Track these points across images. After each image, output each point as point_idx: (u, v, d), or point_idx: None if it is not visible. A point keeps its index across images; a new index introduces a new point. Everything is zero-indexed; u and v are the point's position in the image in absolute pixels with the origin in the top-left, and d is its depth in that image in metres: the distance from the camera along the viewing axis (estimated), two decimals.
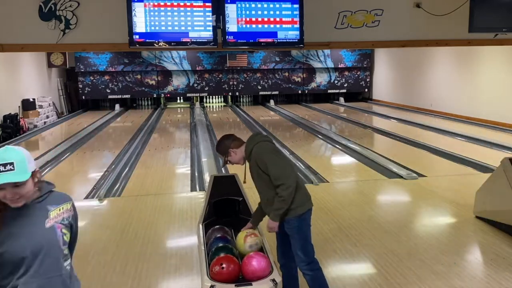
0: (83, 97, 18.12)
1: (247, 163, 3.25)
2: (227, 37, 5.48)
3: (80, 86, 17.91)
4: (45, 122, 14.23)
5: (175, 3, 5.36)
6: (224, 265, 3.00)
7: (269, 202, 3.15)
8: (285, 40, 5.63)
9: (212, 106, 19.26)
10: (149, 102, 19.46)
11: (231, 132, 12.59)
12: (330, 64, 19.27)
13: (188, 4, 5.37)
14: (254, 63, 18.68)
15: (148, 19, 5.32)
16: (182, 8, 5.39)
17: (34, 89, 14.58)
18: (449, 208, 5.69)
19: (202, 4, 5.39)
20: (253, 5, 5.53)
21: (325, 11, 5.73)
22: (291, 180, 3.02)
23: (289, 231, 3.16)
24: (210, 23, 5.44)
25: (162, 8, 5.35)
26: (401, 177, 7.05)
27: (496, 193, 4.87)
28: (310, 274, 3.15)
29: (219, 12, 5.44)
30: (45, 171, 8.01)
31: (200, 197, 6.14)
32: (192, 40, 5.45)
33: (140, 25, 5.31)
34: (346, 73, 19.60)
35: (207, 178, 6.92)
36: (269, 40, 5.61)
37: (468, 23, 5.69)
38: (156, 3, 5.30)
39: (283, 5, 5.55)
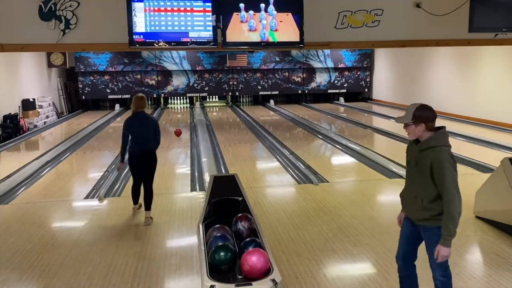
0: (83, 97, 18.12)
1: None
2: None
3: (80, 86, 17.90)
4: (45, 122, 14.22)
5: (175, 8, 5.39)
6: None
7: (416, 201, 3.07)
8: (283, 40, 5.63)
9: (212, 106, 19.25)
10: (149, 102, 19.45)
11: (231, 132, 12.48)
12: (330, 64, 19.27)
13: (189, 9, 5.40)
14: (254, 63, 18.68)
15: (148, 19, 5.33)
16: (182, 9, 5.40)
17: (34, 89, 14.57)
18: None
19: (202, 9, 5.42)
20: None
21: (325, 11, 5.73)
22: (459, 201, 2.83)
23: (429, 241, 3.07)
24: (210, 23, 5.44)
25: (162, 9, 5.36)
26: (401, 177, 7.04)
27: (496, 193, 4.87)
28: (442, 280, 3.10)
29: (219, 12, 5.45)
30: (45, 171, 8.01)
31: (200, 197, 6.14)
32: (192, 40, 5.45)
33: (140, 25, 5.31)
34: (346, 73, 19.60)
35: (207, 178, 6.92)
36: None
37: (468, 23, 5.69)
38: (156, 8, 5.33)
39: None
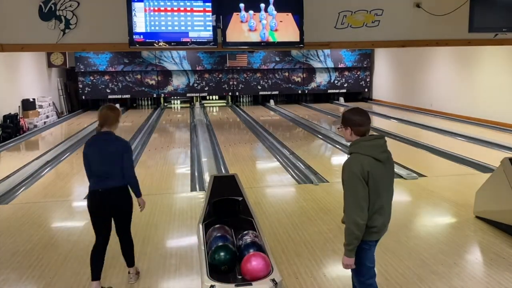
0: (83, 97, 18.12)
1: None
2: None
3: (80, 86, 17.90)
4: (45, 122, 14.22)
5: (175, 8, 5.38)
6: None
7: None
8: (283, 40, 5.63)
9: (212, 106, 19.25)
10: (149, 102, 19.46)
11: (231, 132, 12.48)
12: (330, 64, 19.27)
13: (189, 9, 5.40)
14: (254, 63, 18.68)
15: (148, 19, 5.33)
16: (182, 9, 5.40)
17: (34, 89, 14.57)
18: (449, 208, 5.68)
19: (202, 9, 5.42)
20: None
21: (325, 11, 5.73)
22: (356, 211, 2.66)
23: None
24: (210, 23, 5.44)
25: (162, 9, 5.36)
26: (401, 177, 7.05)
27: (496, 193, 4.87)
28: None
29: (219, 12, 5.45)
30: (45, 171, 8.01)
31: (200, 197, 6.14)
32: (192, 40, 5.45)
33: (140, 25, 5.31)
34: (346, 73, 19.60)
35: (207, 178, 6.92)
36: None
37: (468, 23, 5.69)
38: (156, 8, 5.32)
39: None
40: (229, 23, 5.48)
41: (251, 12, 5.49)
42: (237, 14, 5.47)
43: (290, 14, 5.56)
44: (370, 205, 2.70)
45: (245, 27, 5.51)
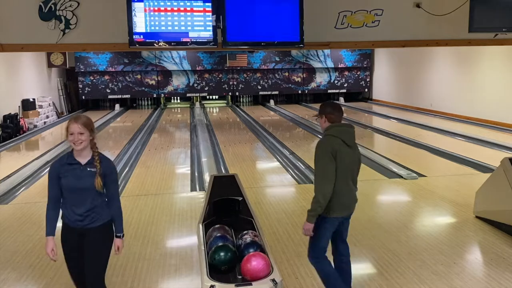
0: (83, 97, 18.12)
1: None
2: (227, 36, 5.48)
3: (80, 86, 17.91)
4: (45, 122, 14.22)
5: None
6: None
7: None
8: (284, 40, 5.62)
9: (212, 106, 19.25)
10: (149, 102, 19.46)
11: (231, 131, 12.48)
12: (330, 64, 19.27)
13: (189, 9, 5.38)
14: (254, 63, 18.68)
15: (148, 19, 5.32)
16: (182, 9, 5.39)
17: (34, 89, 14.57)
18: (449, 208, 5.69)
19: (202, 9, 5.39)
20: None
21: (325, 11, 5.72)
22: (323, 184, 3.09)
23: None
24: (210, 23, 5.44)
25: (162, 9, 5.35)
26: (401, 177, 7.05)
27: (496, 193, 4.87)
28: (312, 261, 3.34)
29: (219, 12, 5.44)
30: (45, 171, 8.01)
31: (200, 197, 6.14)
32: (192, 40, 5.45)
33: (140, 25, 5.30)
34: (346, 73, 19.60)
35: (207, 178, 6.92)
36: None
37: (468, 23, 5.68)
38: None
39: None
40: None
41: None
42: None
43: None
44: (339, 178, 3.12)
45: None
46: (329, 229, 3.22)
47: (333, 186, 3.08)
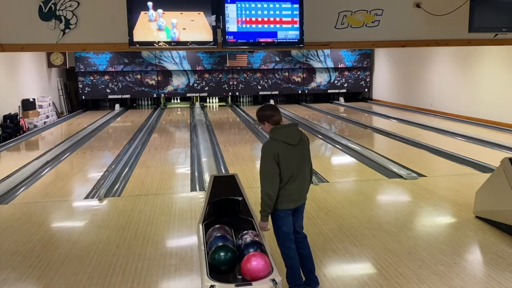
0: (83, 97, 18.11)
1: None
2: (227, 37, 5.48)
3: (80, 86, 17.91)
4: (45, 122, 14.23)
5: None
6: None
7: None
8: (285, 40, 5.63)
9: (212, 106, 19.25)
10: (149, 102, 19.46)
11: (231, 131, 12.46)
12: (330, 64, 19.27)
13: None
14: (254, 63, 18.68)
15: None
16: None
17: (34, 89, 14.57)
18: (449, 208, 5.69)
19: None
20: (253, 5, 5.52)
21: (325, 11, 5.74)
22: (267, 185, 3.28)
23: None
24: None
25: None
26: (401, 177, 7.05)
27: (496, 193, 4.87)
28: (281, 250, 3.50)
29: (218, 12, 5.44)
30: (45, 171, 8.01)
31: (200, 197, 6.14)
32: (192, 40, 5.45)
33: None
34: (346, 73, 19.60)
35: (207, 178, 6.92)
36: (269, 40, 5.61)
37: (468, 23, 5.69)
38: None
39: (283, 5, 5.54)
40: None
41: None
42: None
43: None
44: (284, 178, 3.28)
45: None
46: (283, 216, 3.38)
47: (276, 186, 3.25)
